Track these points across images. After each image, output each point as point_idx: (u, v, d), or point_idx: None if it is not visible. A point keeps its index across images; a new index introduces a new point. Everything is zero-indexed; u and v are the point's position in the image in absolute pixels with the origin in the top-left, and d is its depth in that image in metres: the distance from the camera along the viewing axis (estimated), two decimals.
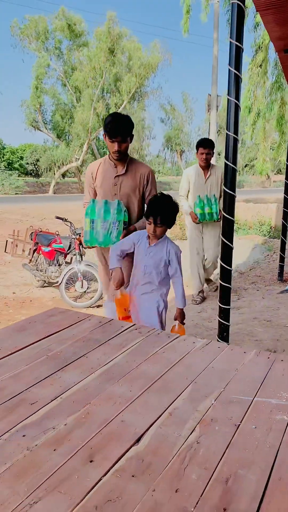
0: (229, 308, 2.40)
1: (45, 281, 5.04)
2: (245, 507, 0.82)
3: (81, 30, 26.42)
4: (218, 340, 2.41)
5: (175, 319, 2.41)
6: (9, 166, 34.26)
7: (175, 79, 69.39)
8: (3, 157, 35.88)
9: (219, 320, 2.42)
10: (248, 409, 1.18)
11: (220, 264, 2.36)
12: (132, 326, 1.80)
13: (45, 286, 5.17)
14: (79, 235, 4.71)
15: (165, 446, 1.01)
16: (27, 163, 36.75)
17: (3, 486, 0.87)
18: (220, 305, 2.40)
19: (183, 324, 2.40)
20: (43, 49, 26.39)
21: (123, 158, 2.58)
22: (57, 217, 4.73)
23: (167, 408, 1.17)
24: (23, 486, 0.87)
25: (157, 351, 1.56)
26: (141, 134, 29.17)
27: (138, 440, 1.03)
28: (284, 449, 1.00)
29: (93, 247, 2.66)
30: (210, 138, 14.73)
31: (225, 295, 2.38)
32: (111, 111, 26.74)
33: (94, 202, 2.49)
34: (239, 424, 1.10)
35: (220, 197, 4.16)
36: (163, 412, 1.15)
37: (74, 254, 4.75)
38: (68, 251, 4.90)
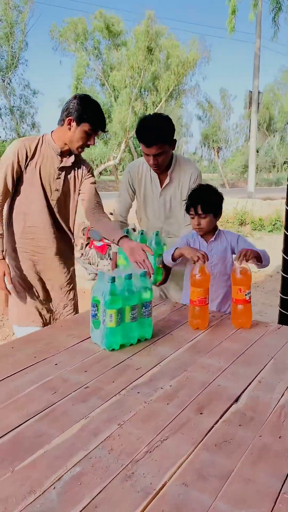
0: None
1: (96, 274, 5.29)
2: None
3: (119, 30, 26.75)
4: None
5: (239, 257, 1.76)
6: None
7: (213, 76, 68.70)
8: None
9: (280, 310, 2.55)
10: None
11: (283, 256, 2.49)
12: None
13: (95, 279, 5.43)
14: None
15: (261, 405, 1.17)
16: None
17: (132, 427, 1.06)
18: (282, 295, 2.53)
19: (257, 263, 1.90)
20: (82, 50, 26.91)
21: None
22: (110, 214, 4.96)
23: (255, 377, 1.33)
24: (150, 428, 1.05)
25: (234, 332, 1.72)
26: (179, 132, 29.24)
27: (236, 400, 1.20)
28: None
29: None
30: (250, 134, 14.25)
31: (286, 286, 2.51)
32: (149, 110, 26.97)
33: (111, 280, 1.47)
34: None
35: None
36: (253, 380, 1.32)
37: None
38: None
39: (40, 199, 2.05)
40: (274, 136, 36.02)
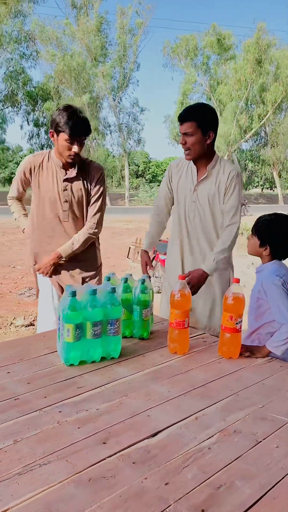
0: None
1: (159, 287, 5.28)
2: None
3: (229, 44, 26.69)
4: None
5: None
6: (154, 179, 36.40)
7: None
8: (148, 170, 38.19)
9: None
10: (278, 429, 1.14)
11: None
12: (200, 334, 1.83)
13: (159, 292, 5.40)
14: None
15: (176, 445, 1.05)
16: None
17: (27, 446, 1.03)
18: None
19: None
20: (191, 66, 27.40)
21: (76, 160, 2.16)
22: None
23: (195, 413, 1.21)
24: (41, 450, 1.02)
25: (213, 361, 1.58)
26: (286, 144, 27.95)
27: (154, 435, 1.10)
28: None
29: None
30: None
31: None
32: (254, 123, 26.31)
33: (72, 294, 1.44)
34: (261, 441, 1.08)
35: (228, 225, 2.18)
36: (190, 415, 1.19)
37: None
38: None
39: (50, 211, 2.21)
40: None
